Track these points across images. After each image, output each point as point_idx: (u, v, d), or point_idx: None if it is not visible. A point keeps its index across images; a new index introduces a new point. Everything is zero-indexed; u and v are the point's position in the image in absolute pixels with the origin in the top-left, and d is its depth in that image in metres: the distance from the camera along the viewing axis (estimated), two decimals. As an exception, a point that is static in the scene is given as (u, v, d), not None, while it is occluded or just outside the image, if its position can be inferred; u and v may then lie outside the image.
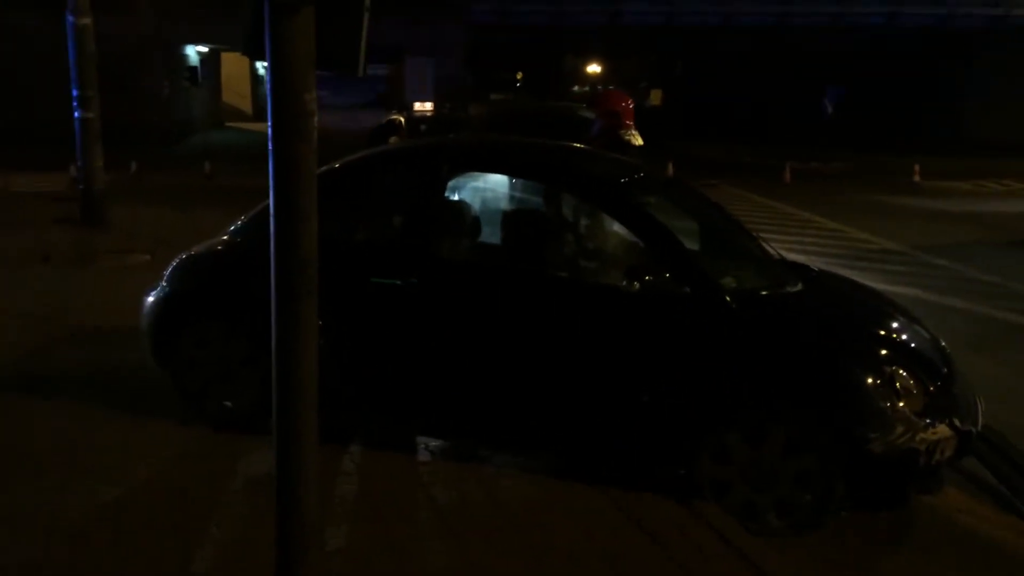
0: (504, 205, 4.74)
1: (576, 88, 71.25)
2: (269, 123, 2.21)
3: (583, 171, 4.60)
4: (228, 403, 4.51)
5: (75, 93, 10.18)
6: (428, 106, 18.62)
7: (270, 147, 2.21)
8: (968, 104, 28.94)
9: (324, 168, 4.67)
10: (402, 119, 17.36)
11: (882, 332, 4.19)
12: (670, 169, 18.52)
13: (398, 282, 4.19)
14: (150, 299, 4.77)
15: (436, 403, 4.29)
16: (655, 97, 42.39)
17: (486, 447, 4.40)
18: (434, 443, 4.49)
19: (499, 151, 4.89)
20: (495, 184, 4.80)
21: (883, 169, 20.03)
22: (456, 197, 4.70)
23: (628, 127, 5.69)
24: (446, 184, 4.37)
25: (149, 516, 3.66)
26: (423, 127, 16.80)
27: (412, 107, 18.36)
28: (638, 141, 5.71)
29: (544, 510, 3.85)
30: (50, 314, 6.68)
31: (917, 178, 18.34)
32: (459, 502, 3.90)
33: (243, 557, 3.35)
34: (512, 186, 4.77)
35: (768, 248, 4.75)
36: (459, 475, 4.17)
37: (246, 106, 34.58)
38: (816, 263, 9.85)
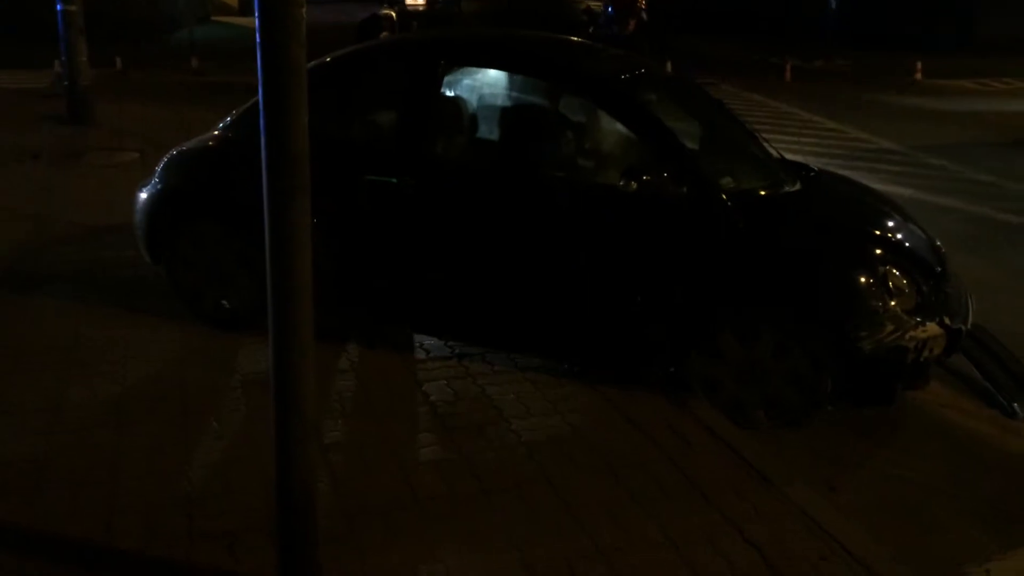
0: (502, 102, 4.65)
1: (573, -19, 69.02)
2: (256, 14, 2.14)
3: (583, 67, 4.49)
4: (225, 302, 4.52)
5: (55, -16, 9.85)
6: (421, 0, 18.07)
7: (258, 39, 2.15)
8: (979, 4, 28.17)
9: (314, 63, 4.57)
10: (393, 13, 16.91)
11: (877, 231, 4.20)
12: (668, 67, 18.17)
13: (393, 180, 4.15)
14: (142, 195, 4.73)
15: (431, 303, 4.31)
16: (653, -9, 41.07)
17: (482, 347, 4.44)
18: (430, 342, 4.54)
19: (497, 46, 4.75)
20: (493, 80, 4.69)
21: (885, 67, 19.63)
22: (453, 93, 4.61)
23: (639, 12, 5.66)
24: (443, 80, 4.27)
25: (149, 411, 3.73)
26: (415, 22, 16.35)
27: (404, 1, 17.82)
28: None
29: (536, 406, 3.93)
30: (42, 212, 6.63)
31: (919, 76, 18.01)
32: (453, 398, 3.97)
33: (242, 449, 3.44)
34: (510, 82, 4.67)
35: (768, 147, 4.70)
36: (454, 373, 4.23)
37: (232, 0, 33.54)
38: (814, 163, 9.80)
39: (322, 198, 4.19)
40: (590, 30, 5.77)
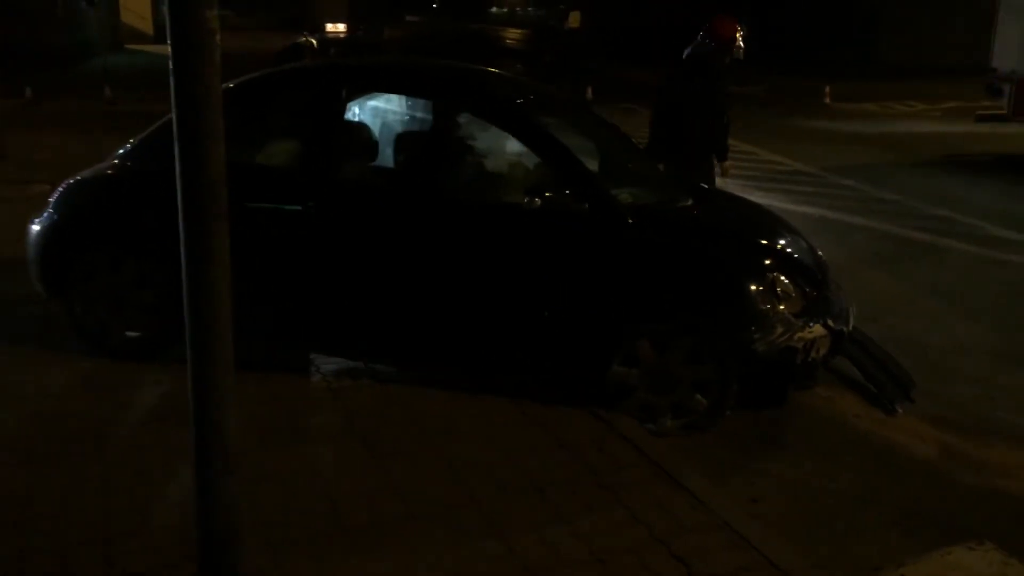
0: (405, 126, 4.71)
1: (495, 9, 69.86)
2: (169, 42, 2.12)
3: (483, 91, 4.61)
4: (132, 333, 4.41)
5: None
6: (341, 28, 18.03)
7: (171, 66, 2.13)
8: (881, 27, 29.44)
9: (226, 86, 4.54)
10: (313, 41, 16.84)
11: (764, 242, 4.41)
12: (589, 93, 18.49)
13: (299, 207, 4.15)
14: (35, 228, 4.61)
15: (346, 326, 4.30)
16: (574, 19, 41.92)
17: (405, 368, 4.44)
18: (357, 367, 4.51)
19: (398, 71, 4.84)
20: (396, 105, 4.75)
21: (796, 92, 20.37)
22: (356, 119, 4.64)
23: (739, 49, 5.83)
24: (346, 106, 4.31)
25: (61, 450, 3.60)
26: (333, 50, 16.31)
27: (324, 28, 17.75)
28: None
29: (463, 428, 3.93)
30: (-55, 247, 6.37)
31: (828, 100, 18.73)
32: (380, 423, 3.95)
33: (159, 485, 3.35)
34: (413, 107, 4.75)
35: (658, 167, 5.00)
36: (381, 398, 4.21)
37: (146, 27, 32.88)
38: (728, 184, 10.08)
39: (232, 226, 4.19)
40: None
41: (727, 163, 6.18)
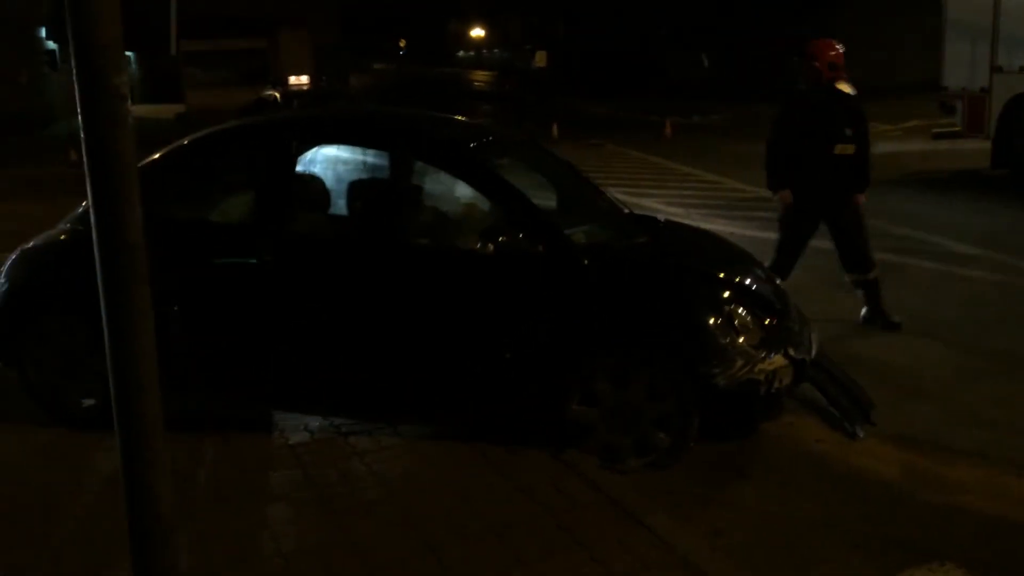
0: (358, 176, 4.71)
1: (462, 53, 70.73)
2: (78, 110, 2.12)
3: (431, 137, 4.64)
4: (88, 401, 4.35)
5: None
6: (304, 80, 18.18)
7: (82, 135, 2.12)
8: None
9: (173, 145, 4.55)
10: (277, 95, 16.95)
11: (722, 275, 4.40)
12: (555, 130, 18.69)
13: (253, 261, 4.14)
14: None
15: (305, 381, 4.26)
16: (540, 59, 42.48)
17: (363, 419, 4.40)
18: (315, 423, 4.46)
19: (345, 122, 4.86)
20: (348, 156, 4.76)
21: (759, 119, 20.63)
22: (309, 171, 4.64)
23: (844, 78, 5.86)
24: (296, 159, 4.32)
25: (8, 518, 3.54)
26: (296, 102, 16.41)
27: (286, 82, 17.88)
28: (848, 89, 5.88)
29: (424, 478, 3.90)
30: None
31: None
32: (338, 478, 3.90)
33: (108, 553, 3.27)
34: (365, 157, 4.75)
35: (616, 203, 5.00)
36: (340, 452, 4.16)
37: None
38: (693, 214, 10.14)
39: (182, 283, 4.17)
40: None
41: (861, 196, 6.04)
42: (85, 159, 2.14)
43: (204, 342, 4.24)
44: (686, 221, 8.84)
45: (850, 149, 5.85)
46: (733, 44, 29.71)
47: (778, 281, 4.74)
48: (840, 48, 5.99)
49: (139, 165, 4.51)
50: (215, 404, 4.50)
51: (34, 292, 4.54)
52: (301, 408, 4.47)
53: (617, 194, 10.21)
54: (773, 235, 8.86)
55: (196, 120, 20.95)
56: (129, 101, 2.15)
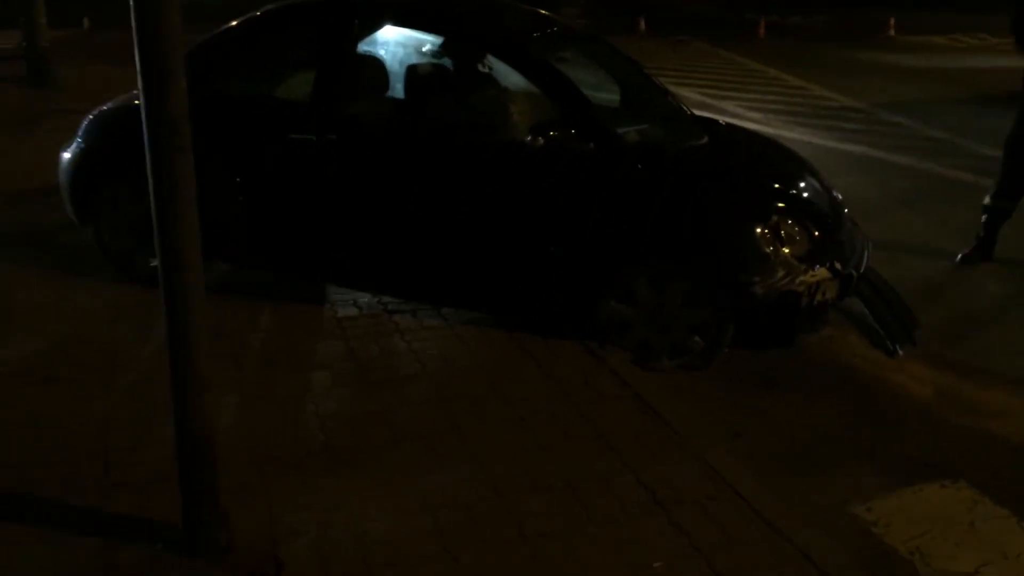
0: (415, 60, 4.73)
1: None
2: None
3: (493, 26, 4.60)
4: (154, 261, 4.59)
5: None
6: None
7: (131, 4, 2.23)
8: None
9: (241, 19, 4.63)
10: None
11: (775, 184, 4.34)
12: (642, 24, 18.11)
13: (312, 138, 4.24)
14: (66, 156, 4.80)
15: (355, 259, 4.42)
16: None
17: (406, 299, 4.57)
18: (364, 299, 4.65)
19: (410, 6, 4.84)
20: (407, 39, 4.77)
21: (860, 23, 19.60)
22: (368, 52, 4.68)
23: None
24: (357, 39, 4.35)
25: (75, 369, 3.84)
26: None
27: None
28: None
29: (459, 360, 4.07)
30: (-6, 176, 6.69)
31: (892, 32, 18.01)
32: (378, 353, 4.10)
33: (161, 405, 3.54)
34: (423, 42, 4.75)
35: (680, 104, 4.91)
36: (382, 329, 4.35)
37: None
38: (773, 120, 9.87)
39: (245, 157, 4.32)
40: None
41: None
42: (135, 30, 2.25)
43: (263, 216, 4.42)
44: (764, 128, 8.65)
45: None
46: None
47: (837, 195, 4.63)
48: None
49: (205, 39, 4.66)
50: (272, 275, 4.71)
51: (106, 157, 4.75)
52: (352, 284, 4.65)
53: (696, 95, 10.05)
54: (852, 147, 8.66)
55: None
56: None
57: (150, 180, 2.38)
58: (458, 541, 2.82)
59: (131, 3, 2.23)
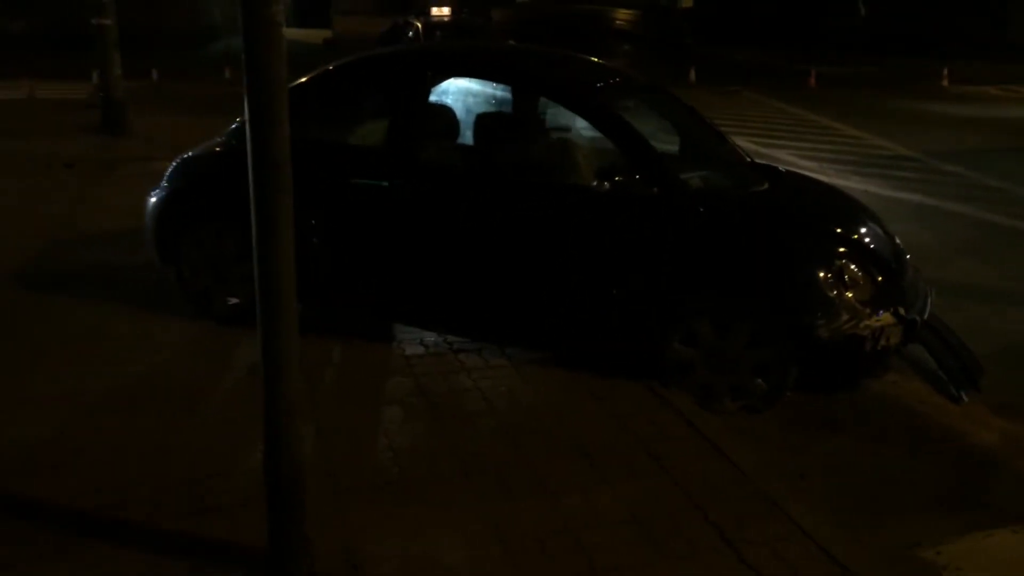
0: (485, 109, 4.92)
1: (608, -11, 69.12)
2: (242, 36, 2.40)
3: (560, 77, 4.77)
4: (232, 299, 4.81)
5: (92, -1, 10.31)
6: (446, 11, 18.43)
7: (243, 59, 2.41)
8: (1012, 3, 27.82)
9: (320, 70, 4.87)
10: (419, 24, 17.27)
11: (837, 229, 4.40)
12: (692, 75, 18.33)
13: (385, 184, 4.42)
14: (152, 200, 5.05)
15: (424, 299, 4.57)
16: (686, -1, 41.16)
17: (473, 339, 4.70)
18: (430, 338, 4.79)
19: (480, 58, 5.05)
20: (478, 89, 4.97)
21: (912, 73, 19.60)
22: (441, 101, 4.88)
23: None
24: (430, 89, 4.55)
25: (160, 399, 4.02)
26: (439, 32, 16.69)
27: (429, 12, 18.19)
28: None
29: (525, 398, 4.17)
30: (75, 217, 7.03)
31: (945, 83, 17.98)
32: (446, 390, 4.22)
33: (245, 433, 3.69)
34: (494, 91, 4.95)
35: (739, 151, 5.02)
36: (449, 367, 4.47)
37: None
38: (827, 169, 9.92)
39: (322, 200, 4.52)
40: None
41: None
42: (245, 80, 2.43)
43: (337, 256, 4.60)
44: (819, 176, 8.69)
45: None
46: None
47: (898, 241, 4.68)
48: None
49: (289, 88, 4.91)
50: (343, 313, 4.88)
51: (191, 199, 5.00)
52: (419, 324, 4.79)
53: (749, 144, 10.15)
54: (908, 196, 8.66)
55: (343, 45, 21.64)
56: (283, 28, 2.42)
57: (253, 217, 2.54)
58: (532, 572, 2.90)
59: (243, 57, 2.41)
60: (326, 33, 26.87)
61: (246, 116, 2.46)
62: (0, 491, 3.26)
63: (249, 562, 2.89)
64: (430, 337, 4.79)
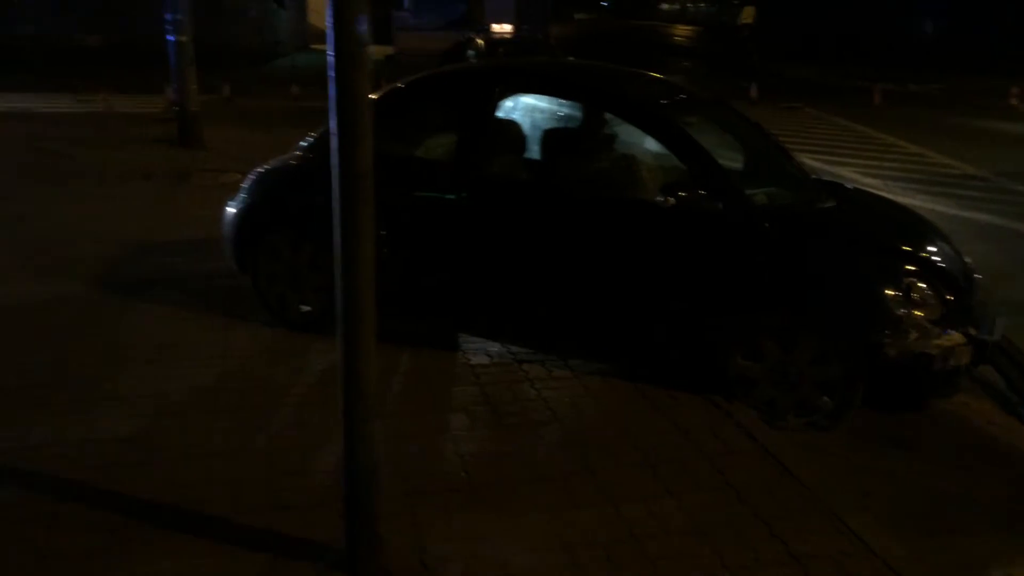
0: (551, 124, 5.01)
1: (665, 6, 69.03)
2: (329, 54, 2.53)
3: (626, 93, 4.84)
4: (305, 307, 4.97)
5: (168, 17, 10.70)
6: (507, 28, 18.65)
7: (330, 75, 2.54)
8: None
9: (391, 86, 5.02)
10: (481, 42, 17.53)
11: (905, 247, 4.38)
12: (753, 91, 18.23)
13: (452, 197, 4.55)
14: (230, 210, 5.25)
15: (490, 309, 4.67)
16: (748, 15, 40.90)
17: (538, 351, 4.78)
18: (494, 348, 4.89)
19: (548, 74, 5.14)
20: (544, 105, 5.07)
21: (979, 91, 19.22)
22: (508, 117, 4.98)
23: None
24: (498, 105, 4.67)
25: (239, 400, 4.18)
26: (501, 49, 16.90)
27: (490, 29, 18.44)
28: None
29: (588, 408, 4.23)
30: (153, 227, 7.30)
31: (1014, 101, 17.58)
32: (511, 399, 4.30)
33: (319, 435, 3.84)
34: (560, 107, 5.05)
35: (803, 168, 5.05)
36: (514, 376, 4.56)
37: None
38: (892, 187, 9.79)
39: (393, 213, 4.65)
40: None
41: None
42: (332, 96, 2.55)
43: (404, 266, 4.73)
44: (883, 194, 8.59)
45: None
46: (964, 9, 27.52)
47: (968, 260, 4.64)
48: None
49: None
50: (411, 322, 5.00)
51: (267, 210, 5.18)
52: (484, 334, 4.89)
53: (811, 161, 10.09)
54: (976, 215, 8.52)
55: (404, 62, 22.02)
56: (368, 46, 2.54)
57: (337, 226, 2.66)
58: (597, 578, 2.96)
59: (330, 74, 2.54)
60: (388, 50, 27.40)
61: (333, 129, 2.59)
62: (90, 484, 3.43)
63: (324, 558, 3.00)
64: (494, 347, 4.89)
